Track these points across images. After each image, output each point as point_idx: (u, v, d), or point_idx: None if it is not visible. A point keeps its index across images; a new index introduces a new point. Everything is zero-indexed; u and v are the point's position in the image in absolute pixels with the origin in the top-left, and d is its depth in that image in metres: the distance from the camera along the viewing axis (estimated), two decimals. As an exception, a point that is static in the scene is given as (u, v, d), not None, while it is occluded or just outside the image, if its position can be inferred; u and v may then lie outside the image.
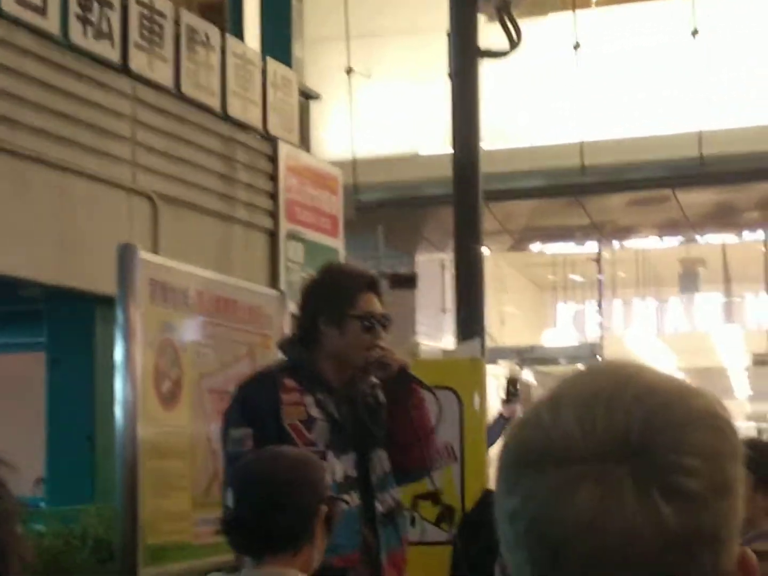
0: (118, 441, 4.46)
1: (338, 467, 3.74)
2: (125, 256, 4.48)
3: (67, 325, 8.05)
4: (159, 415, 4.68)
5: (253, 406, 3.76)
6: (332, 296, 3.84)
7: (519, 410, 10.64)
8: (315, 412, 3.77)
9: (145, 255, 4.68)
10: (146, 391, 4.58)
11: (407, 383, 3.83)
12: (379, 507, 3.84)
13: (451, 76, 9.75)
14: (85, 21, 7.75)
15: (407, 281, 11.10)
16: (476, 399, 6.70)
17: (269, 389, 3.76)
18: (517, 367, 18.54)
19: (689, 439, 0.99)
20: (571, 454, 0.98)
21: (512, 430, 1.06)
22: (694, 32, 13.61)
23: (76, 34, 7.67)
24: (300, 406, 3.76)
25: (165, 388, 4.72)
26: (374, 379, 3.88)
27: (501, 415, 9.82)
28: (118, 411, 4.47)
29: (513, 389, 10.21)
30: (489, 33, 9.90)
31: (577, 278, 20.92)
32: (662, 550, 0.96)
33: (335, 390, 3.86)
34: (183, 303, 4.85)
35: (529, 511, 0.99)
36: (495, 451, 9.45)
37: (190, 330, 4.96)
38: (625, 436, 0.98)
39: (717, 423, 1.02)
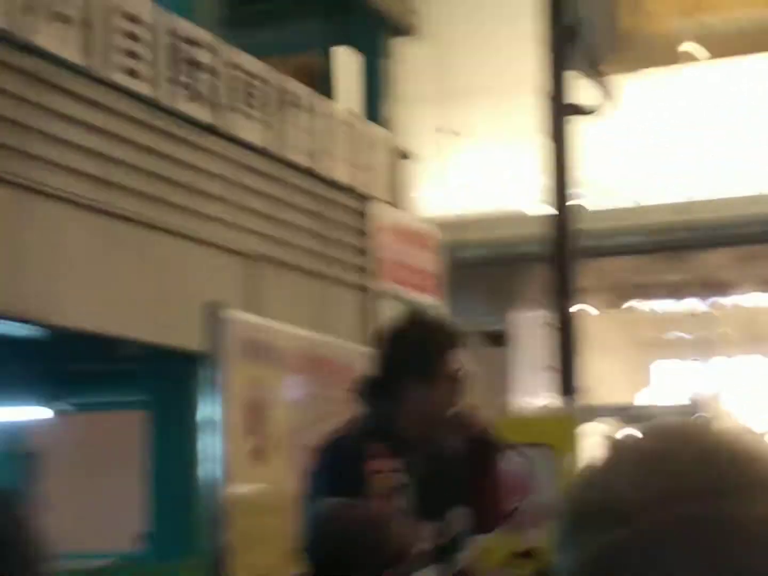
0: (209, 497, 4.43)
1: (425, 533, 3.66)
2: (213, 314, 4.48)
3: (165, 382, 8.09)
4: (250, 471, 4.64)
5: (336, 478, 3.61)
6: (424, 353, 3.73)
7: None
8: (402, 476, 3.67)
9: (233, 313, 4.66)
10: (237, 447, 4.55)
11: (486, 447, 3.77)
12: (450, 567, 3.75)
13: (545, 133, 9.72)
14: (176, 83, 7.83)
15: (498, 339, 11.05)
16: (571, 457, 6.60)
17: (353, 460, 3.62)
18: (617, 425, 18.27)
19: (746, 508, 0.92)
20: (622, 516, 0.93)
21: (570, 487, 1.01)
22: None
23: (168, 96, 7.76)
24: (387, 473, 3.65)
25: (256, 444, 4.68)
26: (456, 438, 3.79)
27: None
28: (210, 467, 4.44)
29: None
30: (585, 90, 9.85)
31: (679, 335, 20.60)
32: None
33: (420, 449, 3.74)
34: (274, 360, 4.83)
35: (581, 569, 0.95)
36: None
37: (281, 387, 4.93)
38: (681, 496, 0.93)
39: None
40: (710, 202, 13.59)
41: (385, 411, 3.73)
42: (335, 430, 3.86)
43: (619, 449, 1.00)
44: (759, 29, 15.30)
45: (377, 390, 3.80)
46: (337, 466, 3.66)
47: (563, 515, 0.99)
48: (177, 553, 7.17)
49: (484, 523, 3.84)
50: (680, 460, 0.94)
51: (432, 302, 10.77)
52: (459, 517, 3.79)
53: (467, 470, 3.74)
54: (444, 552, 3.73)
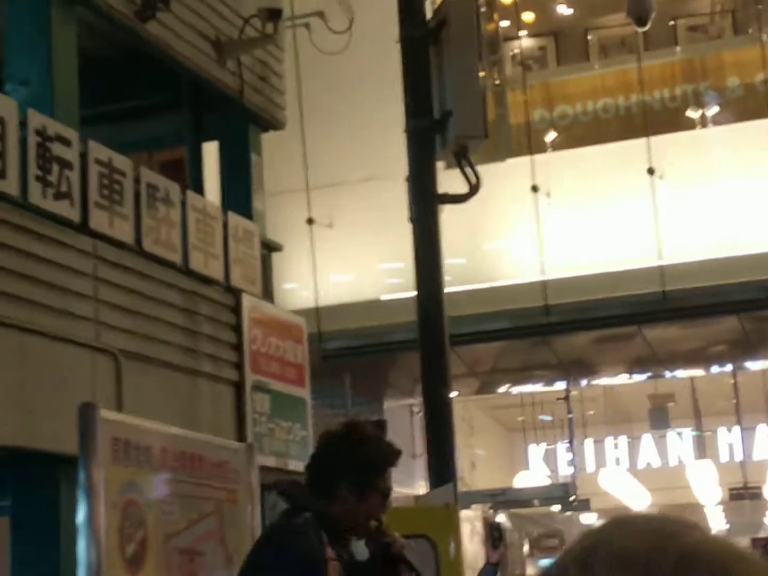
0: (82, 608, 4.32)
1: None
2: (86, 415, 4.40)
3: (30, 487, 7.88)
4: (125, 579, 4.54)
5: (305, 556, 3.71)
6: (362, 468, 3.87)
7: (505, 555, 10.42)
8: (338, 568, 3.76)
9: (106, 413, 4.59)
10: (110, 554, 4.45)
11: (397, 563, 3.86)
12: None
13: (411, 221, 9.81)
14: (44, 182, 7.76)
15: (377, 428, 11.01)
16: (452, 546, 6.58)
17: (318, 545, 3.73)
18: (491, 511, 18.35)
19: None
20: None
21: None
22: (650, 171, 13.81)
23: (36, 194, 7.68)
24: (335, 561, 3.75)
25: (130, 550, 4.59)
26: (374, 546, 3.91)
27: (488, 563, 9.61)
28: (82, 572, 4.34)
29: (497, 534, 10.05)
30: (449, 178, 10.00)
31: (547, 418, 20.84)
32: None
33: (345, 547, 3.87)
34: (146, 460, 4.76)
35: None
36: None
37: (154, 488, 4.85)
38: None
39: None
40: (568, 281, 13.84)
41: (327, 509, 3.83)
42: (284, 522, 3.87)
43: (590, 545, 0.95)
44: (613, 116, 15.78)
45: (306, 488, 3.93)
46: (306, 549, 3.72)
47: None
48: None
49: None
50: (660, 568, 0.91)
51: (302, 394, 10.75)
52: None
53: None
54: None
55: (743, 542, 24.03)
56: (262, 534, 3.89)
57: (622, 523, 0.97)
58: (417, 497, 11.12)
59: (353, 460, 3.88)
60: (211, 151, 11.63)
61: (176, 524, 4.93)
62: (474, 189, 10.27)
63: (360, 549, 3.92)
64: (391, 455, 3.95)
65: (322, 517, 3.80)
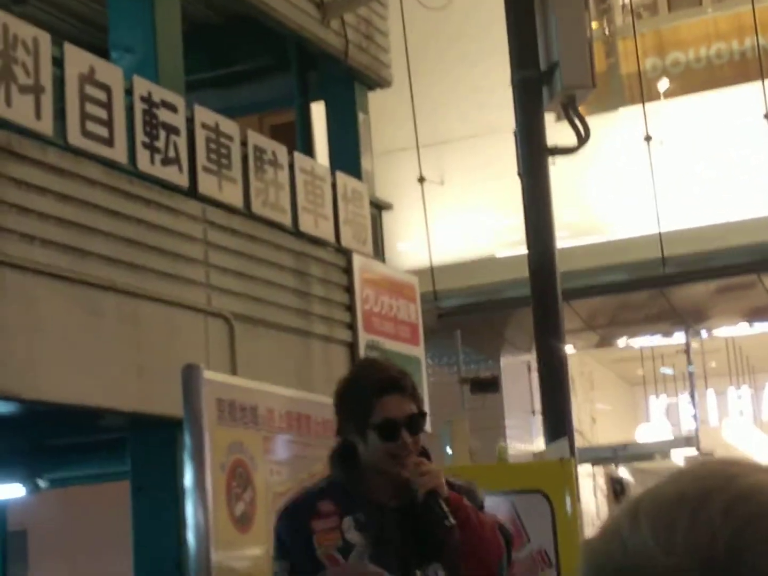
0: (192, 567, 4.36)
1: None
2: (189, 376, 4.43)
3: (149, 451, 8.01)
4: (234, 539, 4.57)
5: (286, 536, 3.55)
6: (352, 404, 3.55)
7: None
8: (353, 536, 3.51)
9: (209, 374, 4.62)
10: (219, 514, 4.49)
11: (436, 511, 3.46)
12: None
13: (521, 175, 9.71)
14: (152, 148, 7.84)
15: (488, 385, 10.97)
16: (568, 501, 6.52)
17: (301, 520, 3.53)
18: (614, 466, 18.19)
19: None
20: (648, 571, 0.87)
21: (591, 540, 0.94)
22: (767, 116, 13.48)
23: (144, 161, 7.75)
24: (335, 532, 3.50)
25: (238, 511, 4.62)
26: (421, 490, 3.51)
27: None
28: (191, 534, 4.37)
29: (620, 488, 9.94)
30: (558, 130, 9.87)
31: (668, 371, 20.56)
32: None
33: (379, 504, 3.56)
34: (252, 421, 4.78)
35: None
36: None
37: (262, 448, 4.88)
38: (710, 553, 0.85)
39: None
40: (685, 232, 13.60)
41: (341, 472, 3.59)
42: (291, 496, 3.78)
43: (640, 497, 0.92)
44: (726, 63, 15.43)
45: (338, 452, 3.65)
46: (286, 527, 3.58)
47: (585, 570, 0.92)
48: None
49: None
50: (708, 512, 0.87)
51: (416, 352, 10.75)
52: (434, 573, 3.59)
53: (436, 524, 3.49)
54: None
55: None
56: None
57: (686, 470, 0.94)
58: (535, 453, 11.07)
59: (343, 404, 3.58)
60: (319, 112, 11.64)
61: (285, 484, 4.95)
62: (584, 140, 10.12)
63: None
64: (378, 380, 3.53)
65: (336, 483, 3.56)
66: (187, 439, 4.39)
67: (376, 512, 3.55)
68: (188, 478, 4.40)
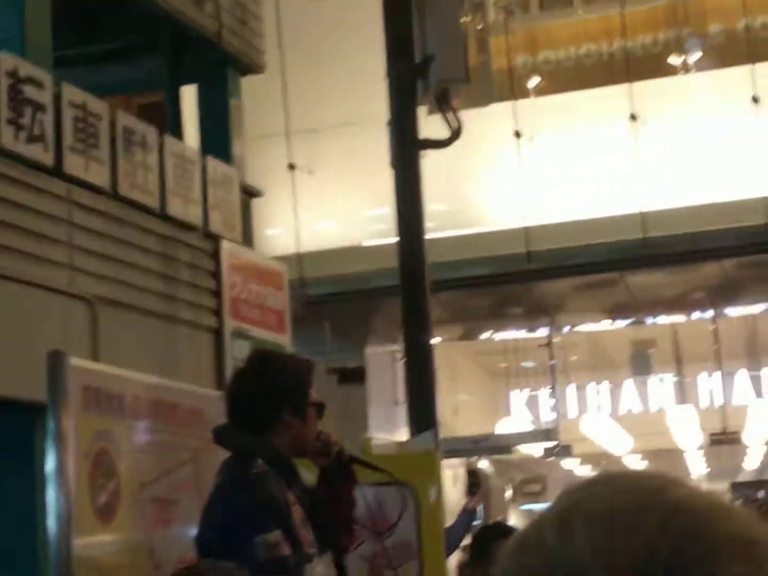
0: (52, 554, 4.26)
1: (319, 566, 3.67)
2: (55, 362, 4.32)
3: (5, 436, 7.81)
4: (95, 528, 4.48)
5: (278, 506, 3.60)
6: (296, 385, 3.83)
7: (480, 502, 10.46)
8: (299, 510, 3.68)
9: (76, 361, 4.52)
10: (81, 504, 4.39)
11: (347, 464, 3.88)
12: None
13: (392, 166, 9.72)
14: (17, 125, 7.64)
15: (355, 376, 10.99)
16: (432, 493, 6.54)
17: (282, 489, 3.65)
18: (474, 458, 18.37)
19: (720, 573, 0.85)
20: None
21: (510, 551, 0.91)
22: (633, 117, 13.72)
23: (8, 138, 7.56)
24: (296, 505, 3.68)
25: (102, 500, 4.53)
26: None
27: (465, 510, 9.63)
28: (52, 522, 4.28)
29: (474, 480, 10.06)
30: (431, 123, 9.91)
31: (530, 364, 20.86)
32: None
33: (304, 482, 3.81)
34: (119, 409, 4.68)
35: None
36: (463, 544, 9.28)
37: (127, 437, 4.79)
38: (649, 567, 0.85)
39: (753, 550, 0.87)
40: (550, 228, 13.79)
41: (266, 447, 3.71)
42: (244, 467, 3.70)
43: (568, 505, 0.90)
44: (596, 63, 15.67)
45: (246, 428, 3.77)
46: (275, 493, 3.64)
47: None
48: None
49: (336, 545, 3.86)
50: (645, 526, 0.86)
51: (282, 340, 10.70)
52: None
53: (330, 496, 3.85)
54: None
55: (722, 486, 24.16)
56: (222, 488, 3.68)
57: (603, 481, 0.92)
58: (399, 444, 11.10)
59: (285, 383, 3.82)
60: (190, 95, 11.49)
61: (150, 473, 4.87)
62: (455, 134, 10.17)
63: (305, 476, 3.89)
64: (310, 366, 3.96)
65: (272, 456, 3.70)
66: (51, 426, 4.28)
67: (304, 487, 3.79)
68: (50, 466, 4.30)
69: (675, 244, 13.46)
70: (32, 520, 7.39)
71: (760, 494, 22.17)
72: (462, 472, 17.05)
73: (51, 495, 4.29)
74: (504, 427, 20.16)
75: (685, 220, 13.43)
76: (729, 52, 14.76)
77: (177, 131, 10.96)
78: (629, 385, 21.76)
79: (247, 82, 11.42)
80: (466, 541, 9.29)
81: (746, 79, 13.52)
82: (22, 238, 7.69)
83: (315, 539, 3.69)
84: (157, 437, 4.99)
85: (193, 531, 3.82)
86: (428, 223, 9.83)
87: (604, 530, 0.86)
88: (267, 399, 3.77)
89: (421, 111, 9.84)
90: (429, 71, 9.45)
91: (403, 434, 14.99)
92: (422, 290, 9.74)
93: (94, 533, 4.47)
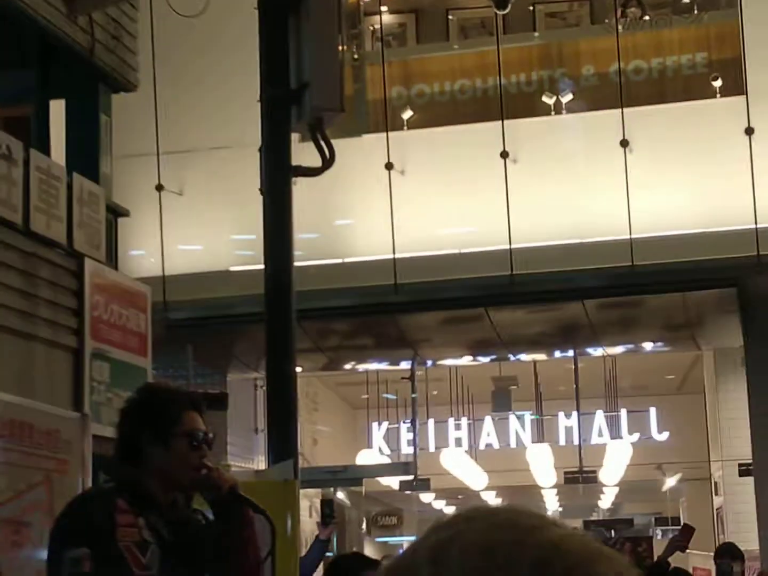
0: None
1: None
2: None
3: None
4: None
5: (89, 523, 3.63)
6: (157, 415, 3.83)
7: (334, 532, 10.42)
8: (147, 535, 3.69)
9: (-72, 376, 4.34)
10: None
11: (238, 504, 3.82)
12: None
13: (263, 192, 9.64)
14: None
15: (217, 402, 10.81)
16: (289, 523, 6.47)
17: (104, 508, 3.65)
18: (330, 489, 18.31)
19: None
20: None
21: None
22: (504, 154, 13.86)
23: None
24: (134, 528, 3.66)
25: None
26: (198, 502, 3.85)
27: (317, 538, 9.63)
28: None
29: (329, 510, 10.06)
30: (303, 150, 9.87)
31: (391, 396, 20.89)
32: None
33: (165, 512, 3.78)
34: (-29, 428, 4.52)
35: None
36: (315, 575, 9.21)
37: (-21, 457, 4.62)
38: None
39: None
40: (419, 261, 13.84)
41: (130, 473, 3.79)
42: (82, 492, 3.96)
43: (443, 540, 0.87)
44: (470, 98, 15.81)
45: (122, 457, 3.89)
46: (86, 516, 3.67)
47: None
48: None
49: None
50: (519, 567, 0.84)
51: (143, 363, 10.52)
52: None
53: (217, 533, 3.80)
54: None
55: (576, 524, 24.48)
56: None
57: (476, 517, 0.88)
58: (257, 472, 10.99)
59: (146, 411, 3.86)
60: (58, 110, 11.26)
61: (4, 494, 4.70)
62: (328, 163, 10.13)
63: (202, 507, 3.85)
64: (183, 397, 3.96)
65: (127, 483, 3.76)
66: None
67: (164, 516, 3.78)
68: None
69: (540, 282, 13.61)
70: None
71: (612, 533, 22.49)
72: (318, 503, 16.99)
73: None
74: (363, 458, 20.13)
75: (552, 259, 13.59)
76: (601, 94, 15.02)
77: (43, 146, 10.72)
78: (489, 421, 21.92)
79: (118, 100, 11.25)
80: (319, 571, 9.25)
81: (617, 121, 13.76)
82: None
83: (166, 568, 3.65)
84: (10, 457, 4.83)
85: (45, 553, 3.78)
86: (297, 252, 9.76)
87: (483, 561, 0.84)
88: (129, 428, 3.88)
89: (294, 137, 9.79)
90: (304, 98, 9.41)
91: (261, 462, 14.85)
92: (288, 319, 9.65)
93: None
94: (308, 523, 16.74)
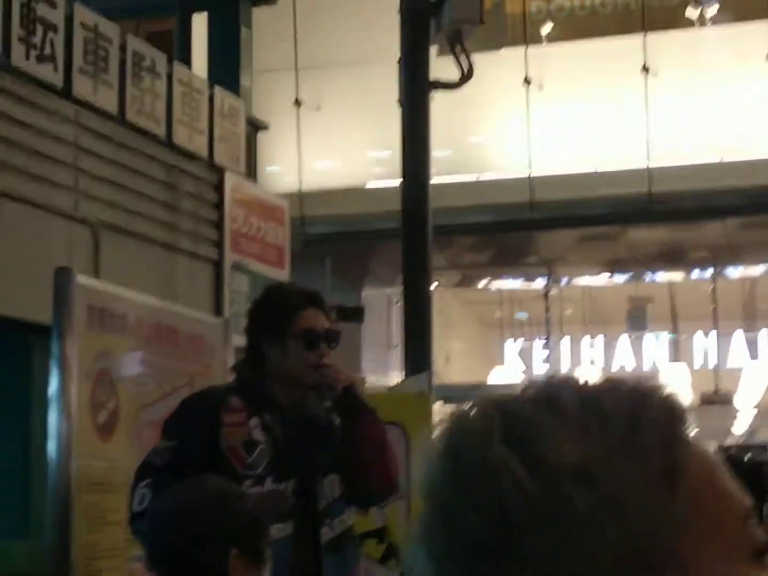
0: (51, 473, 4.24)
1: (286, 497, 3.61)
2: (62, 279, 4.28)
3: (3, 355, 7.78)
4: (95, 448, 4.46)
5: (190, 421, 3.66)
6: (272, 315, 3.78)
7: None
8: (259, 434, 3.67)
9: (82, 279, 4.47)
10: (81, 423, 4.36)
11: (354, 402, 3.69)
12: (324, 535, 3.69)
13: (401, 104, 9.63)
14: (28, 44, 7.55)
15: (354, 314, 10.89)
16: (423, 435, 6.54)
17: (211, 408, 3.66)
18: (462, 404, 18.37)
19: None
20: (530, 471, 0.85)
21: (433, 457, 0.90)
22: (645, 68, 13.61)
23: (19, 56, 7.47)
24: (243, 427, 3.66)
25: (101, 419, 4.51)
26: (328, 401, 3.75)
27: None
28: (52, 443, 4.25)
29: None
30: (441, 64, 9.81)
31: (524, 315, 20.83)
32: None
33: (285, 411, 3.73)
34: (121, 330, 4.65)
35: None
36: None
37: (128, 358, 4.76)
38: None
39: None
40: (556, 179, 13.71)
41: (252, 375, 3.78)
42: (198, 390, 3.96)
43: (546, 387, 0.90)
44: (610, 12, 15.52)
45: (246, 360, 3.87)
46: (193, 411, 3.70)
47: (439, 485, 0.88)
48: (14, 534, 6.92)
49: (361, 493, 3.80)
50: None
51: (281, 276, 10.66)
52: (330, 484, 3.75)
53: (340, 436, 3.71)
54: (311, 519, 3.68)
55: (710, 447, 24.23)
56: None
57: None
58: (390, 387, 11.10)
59: (263, 313, 3.83)
60: (200, 24, 11.37)
61: (149, 395, 4.84)
62: (467, 76, 10.07)
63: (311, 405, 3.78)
64: (299, 295, 3.83)
65: (247, 383, 3.76)
66: (55, 345, 4.24)
67: (283, 417, 3.72)
68: (53, 386, 4.26)
69: (679, 201, 13.40)
70: (26, 441, 7.38)
71: (746, 457, 22.24)
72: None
73: (53, 415, 4.26)
74: (496, 376, 20.16)
75: (692, 178, 13.36)
76: (747, 6, 14.61)
77: (186, 60, 10.85)
78: (624, 340, 21.72)
79: (258, 14, 11.30)
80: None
81: (765, 34, 13.39)
82: (28, 159, 7.62)
83: (279, 469, 3.65)
84: (157, 360, 4.96)
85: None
86: (433, 168, 9.75)
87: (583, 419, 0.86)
88: (250, 331, 3.85)
89: (432, 52, 9.74)
90: (443, 10, 9.35)
91: (394, 377, 14.99)
92: (424, 235, 9.68)
93: (93, 452, 4.45)
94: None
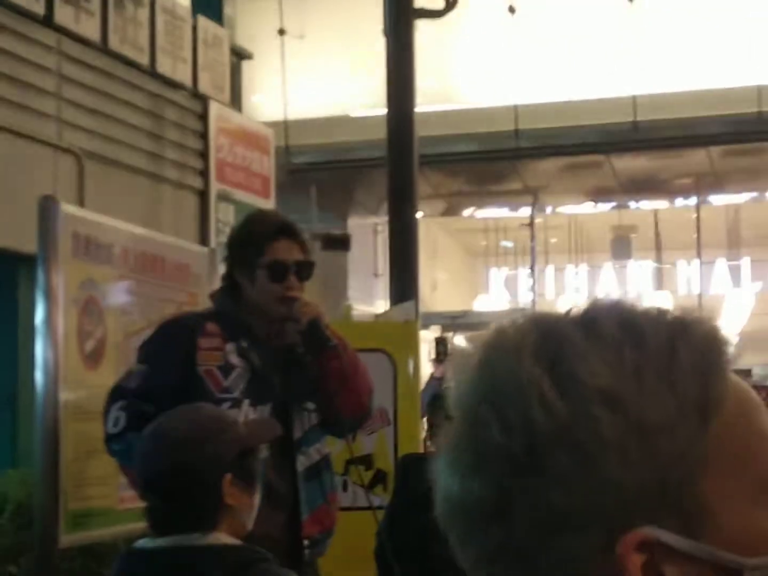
0: (39, 403, 4.28)
1: (251, 416, 3.64)
2: (47, 208, 4.29)
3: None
4: (82, 376, 4.50)
5: (165, 345, 3.70)
6: (243, 245, 3.75)
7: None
8: (234, 359, 3.68)
9: (67, 207, 4.48)
10: (69, 352, 4.40)
11: (318, 336, 3.68)
12: (300, 463, 3.72)
13: (385, 34, 9.60)
14: (8, -29, 7.49)
15: (340, 243, 10.94)
16: (410, 362, 6.58)
17: (187, 332, 3.69)
18: (450, 334, 18.46)
19: None
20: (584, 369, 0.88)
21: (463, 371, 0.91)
22: (630, -4, 13.55)
23: (-1, -16, 7.42)
24: (218, 352, 3.67)
25: (88, 348, 4.54)
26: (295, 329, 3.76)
27: (432, 377, 9.74)
28: (39, 372, 4.29)
29: (443, 348, 10.18)
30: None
31: (509, 244, 20.87)
32: None
33: (261, 340, 3.75)
34: (107, 259, 4.67)
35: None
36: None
37: (115, 287, 4.78)
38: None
39: None
40: (540, 107, 13.68)
41: (228, 303, 3.78)
42: (173, 315, 4.04)
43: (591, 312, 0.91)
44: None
45: (224, 288, 3.86)
46: (169, 335, 3.73)
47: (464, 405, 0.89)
48: (2, 463, 6.97)
49: (333, 422, 3.81)
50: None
51: (266, 205, 10.66)
52: (307, 413, 3.79)
53: (318, 349, 3.72)
54: (287, 446, 3.69)
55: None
56: None
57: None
58: (376, 315, 11.15)
59: (236, 242, 3.80)
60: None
61: (135, 324, 4.87)
62: (451, 5, 10.04)
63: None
64: (270, 226, 3.76)
65: (224, 311, 3.76)
66: (40, 272, 4.26)
67: (258, 344, 3.74)
68: (39, 315, 4.28)
69: (664, 129, 13.40)
70: (14, 371, 7.42)
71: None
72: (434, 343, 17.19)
73: (39, 345, 4.29)
74: (481, 304, 20.24)
75: (676, 106, 13.35)
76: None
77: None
78: (608, 269, 21.80)
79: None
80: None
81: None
82: (10, 87, 7.58)
83: (256, 393, 3.67)
84: (143, 289, 4.98)
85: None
86: (418, 98, 9.73)
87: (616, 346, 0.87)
88: (226, 258, 3.88)
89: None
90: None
91: (380, 306, 15.03)
92: (410, 164, 9.69)
93: (80, 381, 4.49)
94: (427, 366, 16.95)
